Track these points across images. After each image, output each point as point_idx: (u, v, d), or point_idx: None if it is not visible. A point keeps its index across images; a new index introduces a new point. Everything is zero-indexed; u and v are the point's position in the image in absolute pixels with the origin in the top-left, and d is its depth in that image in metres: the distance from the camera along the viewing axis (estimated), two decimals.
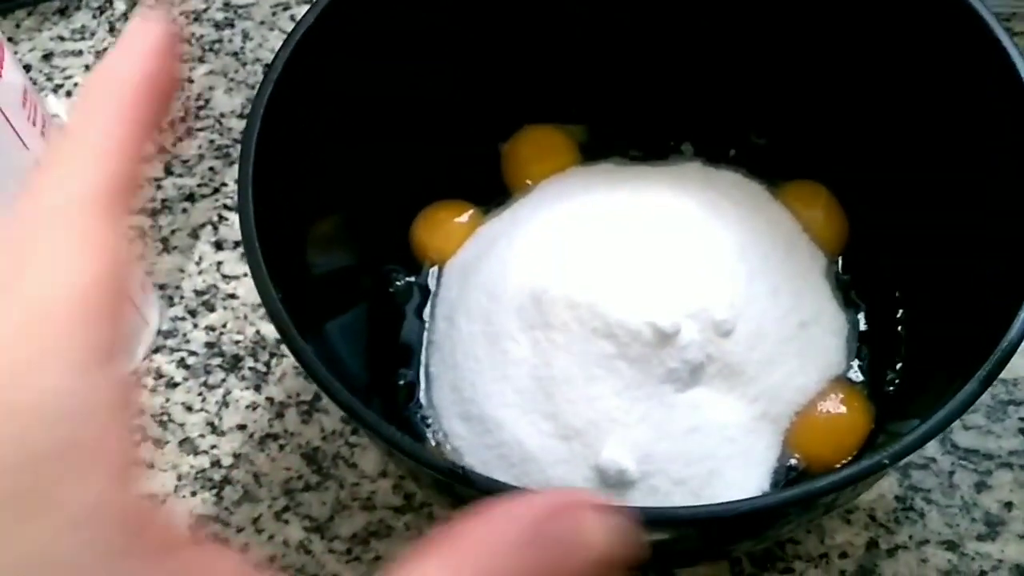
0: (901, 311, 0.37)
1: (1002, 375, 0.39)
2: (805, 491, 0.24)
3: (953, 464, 0.38)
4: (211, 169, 0.46)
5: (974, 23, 0.32)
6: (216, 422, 0.40)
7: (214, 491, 0.39)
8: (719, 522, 0.25)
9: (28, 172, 0.32)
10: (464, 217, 0.40)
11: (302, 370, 0.40)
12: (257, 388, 0.41)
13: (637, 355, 0.33)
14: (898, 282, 0.37)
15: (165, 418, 0.40)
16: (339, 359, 0.32)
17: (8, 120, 0.31)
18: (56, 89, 0.49)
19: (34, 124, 0.32)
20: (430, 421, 0.36)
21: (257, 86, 0.48)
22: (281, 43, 0.33)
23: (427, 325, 0.38)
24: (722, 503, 0.24)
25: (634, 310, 0.33)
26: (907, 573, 0.36)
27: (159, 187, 0.46)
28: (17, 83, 0.31)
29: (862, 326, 0.37)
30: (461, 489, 0.28)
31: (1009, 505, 0.37)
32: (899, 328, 0.37)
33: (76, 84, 0.49)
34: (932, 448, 0.38)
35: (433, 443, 0.35)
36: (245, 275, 0.43)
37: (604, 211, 0.36)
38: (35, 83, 0.49)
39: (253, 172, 0.30)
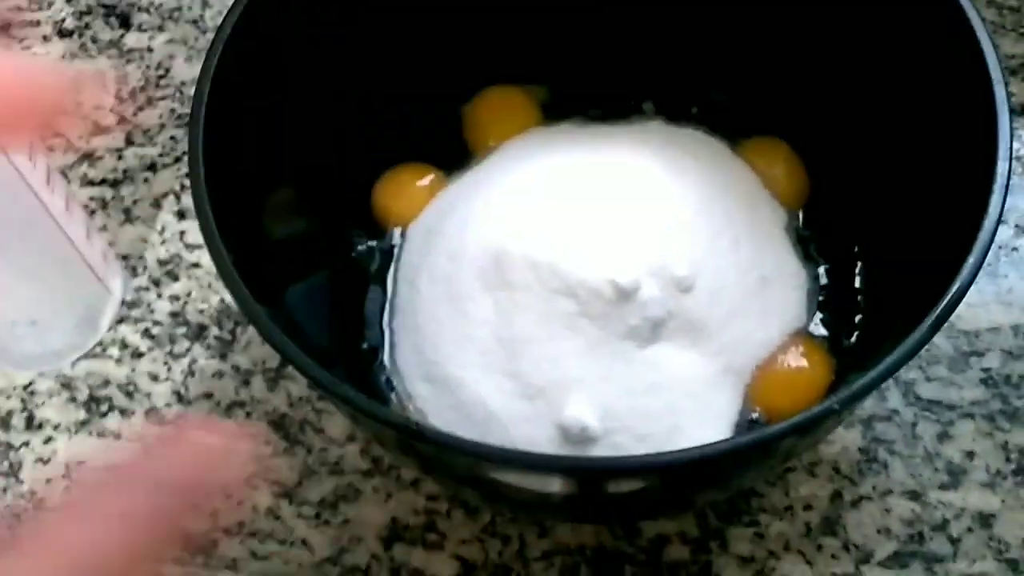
0: (860, 265, 0.37)
1: (963, 327, 0.40)
2: (756, 437, 0.24)
3: (916, 415, 0.38)
4: (172, 138, 0.46)
5: None
6: (182, 391, 0.40)
7: None
8: (675, 469, 0.25)
9: None
10: (426, 180, 0.39)
11: None
12: (223, 356, 0.40)
13: (598, 313, 0.33)
14: (856, 237, 0.37)
15: (131, 388, 0.40)
16: (299, 324, 0.32)
17: None
18: None
19: None
20: (394, 384, 0.36)
21: None
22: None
23: (390, 289, 0.38)
24: (677, 451, 0.24)
25: (594, 268, 0.33)
26: (871, 523, 0.36)
27: (120, 157, 0.45)
28: None
29: (823, 280, 0.37)
30: (423, 448, 0.28)
31: (971, 454, 0.37)
32: (857, 282, 0.37)
33: (34, 55, 0.48)
34: (895, 400, 0.38)
35: (397, 405, 0.35)
36: None
37: (564, 171, 0.36)
38: None
39: (203, 137, 0.29)
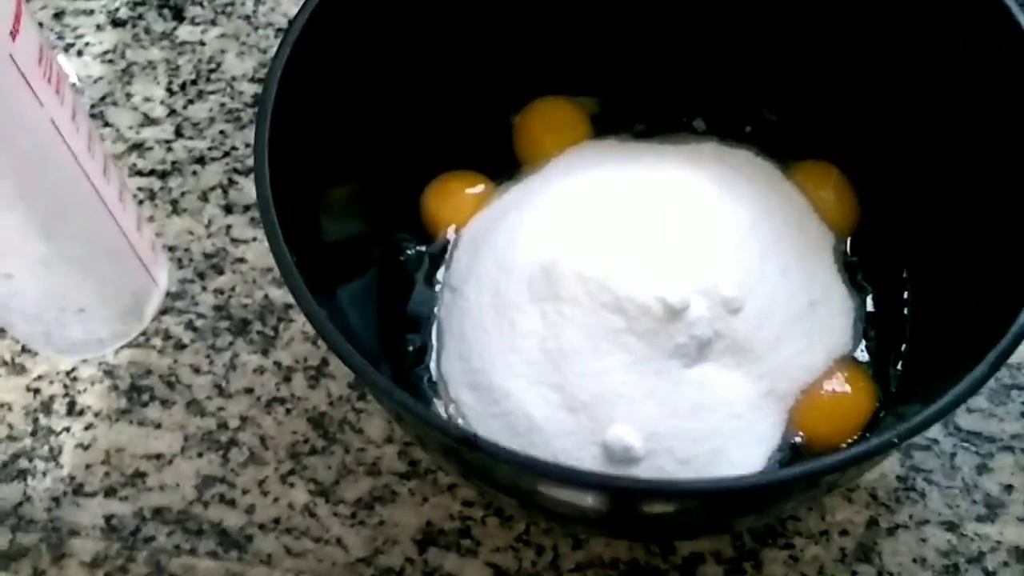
0: (908, 293, 0.37)
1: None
2: (811, 469, 0.24)
3: (955, 446, 0.38)
4: (222, 132, 0.46)
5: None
6: (223, 384, 0.40)
7: (220, 452, 0.39)
8: (725, 496, 0.25)
9: (42, 129, 0.32)
10: (475, 188, 0.40)
11: (310, 335, 0.41)
12: (264, 352, 0.41)
13: (646, 330, 0.33)
14: (906, 264, 0.37)
15: (172, 379, 0.40)
16: (349, 324, 0.33)
17: (24, 77, 0.30)
18: (67, 48, 0.49)
19: (49, 81, 0.32)
20: (439, 388, 0.36)
21: (269, 50, 0.48)
22: (296, 8, 0.33)
23: (436, 294, 0.38)
24: (729, 477, 0.24)
25: (644, 285, 0.33)
26: (907, 552, 0.36)
27: (169, 149, 0.45)
28: (33, 40, 0.31)
29: (869, 307, 0.37)
30: (469, 455, 0.28)
31: (1009, 488, 0.37)
32: (905, 310, 0.37)
33: (87, 44, 0.49)
34: (935, 430, 0.38)
35: (441, 410, 0.35)
36: (254, 239, 0.43)
37: (616, 185, 0.37)
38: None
39: (269, 134, 0.30)
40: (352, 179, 0.36)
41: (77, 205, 0.35)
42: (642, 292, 0.33)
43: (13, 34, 0.29)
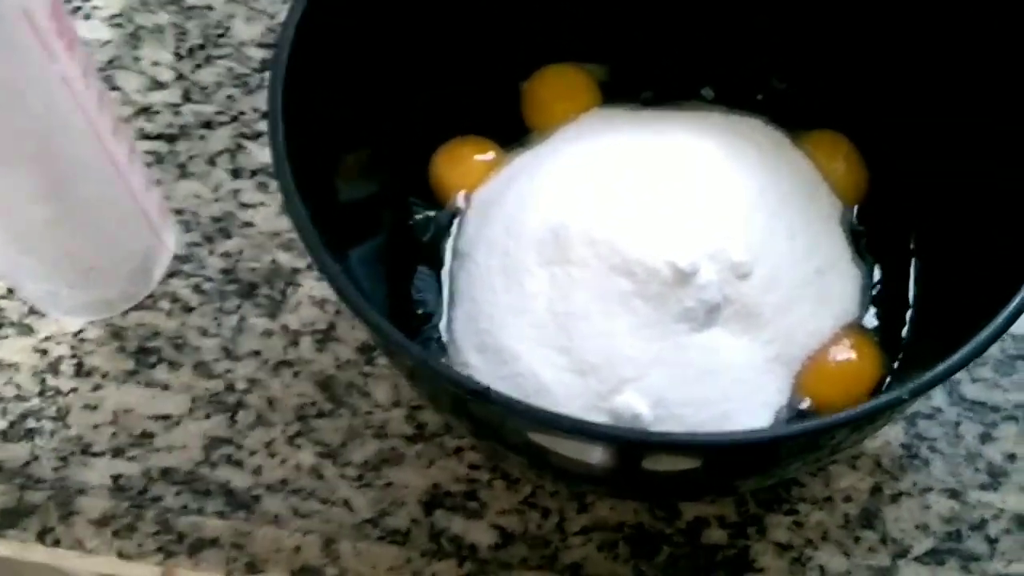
0: (915, 262, 0.37)
1: (1012, 330, 0.40)
2: (822, 424, 0.24)
3: (959, 415, 0.38)
4: (229, 97, 0.46)
5: None
6: (231, 347, 0.40)
7: (228, 414, 0.39)
8: (732, 450, 0.25)
9: (54, 86, 0.32)
10: (484, 154, 0.40)
11: (317, 299, 0.41)
12: (272, 316, 0.41)
13: (654, 293, 0.33)
14: (913, 234, 0.37)
15: (180, 341, 0.40)
16: (361, 286, 0.33)
17: (37, 32, 0.30)
18: (75, 11, 0.49)
19: (61, 37, 0.32)
20: (448, 352, 0.36)
21: (277, 15, 0.48)
22: None
23: (445, 258, 0.38)
24: (738, 431, 0.25)
25: (653, 248, 0.33)
26: (909, 518, 0.37)
27: (177, 113, 0.45)
28: None
29: (876, 275, 0.37)
30: (481, 410, 0.28)
31: (1012, 457, 0.38)
32: (912, 278, 0.37)
33: (95, 7, 0.49)
34: (939, 399, 0.38)
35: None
36: (262, 204, 0.43)
37: (626, 151, 0.37)
38: None
39: (283, 91, 0.30)
40: (362, 142, 0.36)
41: (87, 164, 0.35)
42: (651, 255, 0.33)
43: None
